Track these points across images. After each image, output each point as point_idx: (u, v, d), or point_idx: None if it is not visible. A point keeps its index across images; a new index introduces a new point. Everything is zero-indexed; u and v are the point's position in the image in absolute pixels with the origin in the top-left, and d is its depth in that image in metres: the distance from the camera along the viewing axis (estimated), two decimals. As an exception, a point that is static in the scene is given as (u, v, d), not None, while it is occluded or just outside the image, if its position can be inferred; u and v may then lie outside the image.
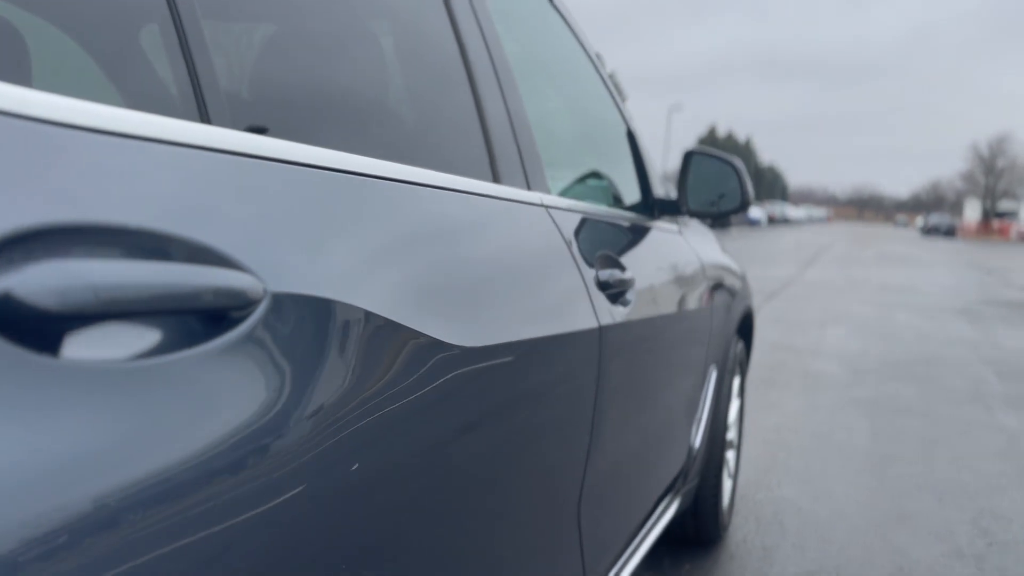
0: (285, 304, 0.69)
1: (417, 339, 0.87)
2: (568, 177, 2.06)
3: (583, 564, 1.45)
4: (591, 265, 1.46)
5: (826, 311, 9.96)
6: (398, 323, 0.84)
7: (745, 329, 3.10)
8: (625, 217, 1.93)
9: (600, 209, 1.74)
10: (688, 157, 2.13)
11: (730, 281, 2.73)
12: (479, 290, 1.07)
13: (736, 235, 33.80)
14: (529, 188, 1.37)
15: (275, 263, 0.69)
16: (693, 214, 2.15)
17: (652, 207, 2.15)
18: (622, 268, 1.61)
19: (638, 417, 1.70)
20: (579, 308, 1.35)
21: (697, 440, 2.50)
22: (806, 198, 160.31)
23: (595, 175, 2.15)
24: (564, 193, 1.97)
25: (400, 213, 0.96)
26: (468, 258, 1.07)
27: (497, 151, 1.28)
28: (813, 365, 6.47)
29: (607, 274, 1.49)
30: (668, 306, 1.90)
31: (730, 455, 3.09)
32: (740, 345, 2.97)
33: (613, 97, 2.05)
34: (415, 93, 1.20)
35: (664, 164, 58.07)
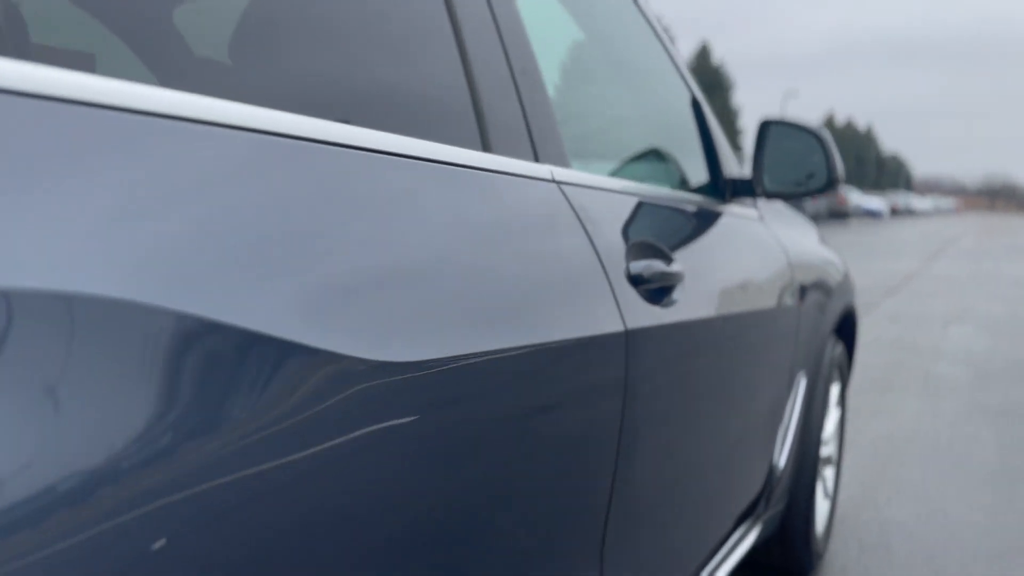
0: None
1: (328, 359, 0.64)
2: (619, 155, 1.79)
3: None
4: (621, 255, 1.19)
5: (951, 307, 9.20)
6: (310, 334, 0.62)
7: (846, 330, 2.73)
8: (683, 199, 1.64)
9: (644, 189, 1.46)
10: (764, 128, 1.81)
11: (825, 276, 2.38)
12: (446, 285, 0.83)
13: (856, 227, 32.21)
14: (537, 160, 1.11)
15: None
16: (770, 195, 1.83)
17: (723, 189, 1.85)
18: (667, 259, 1.33)
19: (691, 437, 1.42)
20: (596, 307, 1.08)
21: (782, 458, 2.17)
22: (932, 188, 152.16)
23: (655, 153, 1.88)
24: (616, 173, 1.71)
25: (325, 185, 0.73)
26: (427, 243, 0.83)
27: (489, 113, 1.03)
28: (934, 367, 5.91)
29: (642, 266, 1.22)
30: (735, 304, 1.60)
31: (828, 473, 2.74)
32: (839, 348, 2.61)
33: (676, 65, 1.76)
34: (368, 35, 0.96)
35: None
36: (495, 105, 1.05)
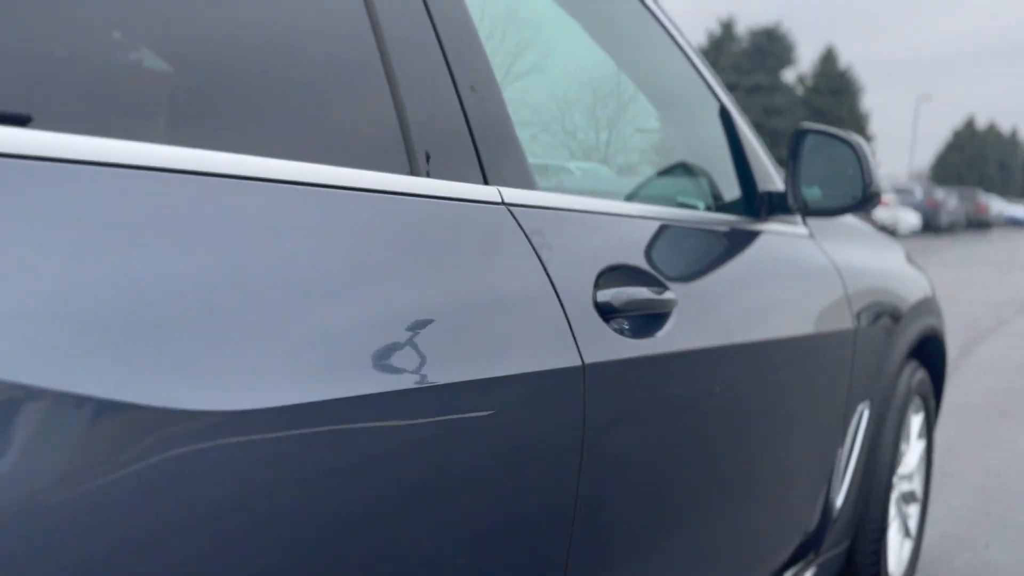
0: None
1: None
2: (642, 172, 1.69)
3: None
4: (586, 282, 1.09)
5: (1095, 326, 8.40)
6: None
7: (930, 355, 2.50)
8: (699, 219, 1.52)
9: (644, 209, 1.35)
10: (800, 137, 1.66)
11: (897, 297, 2.18)
12: (356, 316, 0.78)
13: (997, 236, 30.14)
14: (486, 182, 1.03)
15: None
16: (808, 212, 1.68)
17: (758, 205, 1.71)
18: (658, 285, 1.22)
19: (684, 481, 1.29)
20: (543, 339, 0.99)
21: (840, 496, 1.99)
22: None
23: (682, 169, 1.76)
24: (634, 196, 1.61)
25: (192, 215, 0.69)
26: (333, 269, 0.78)
27: (419, 136, 0.96)
28: (1065, 393, 5.39)
29: (613, 293, 1.11)
30: (752, 332, 1.46)
31: (911, 511, 2.51)
32: (919, 375, 2.39)
33: (701, 74, 1.63)
34: (260, 45, 0.89)
35: (911, 161, 53.32)
36: (430, 127, 0.98)
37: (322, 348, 0.74)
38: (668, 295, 1.22)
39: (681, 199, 1.71)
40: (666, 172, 1.77)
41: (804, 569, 1.91)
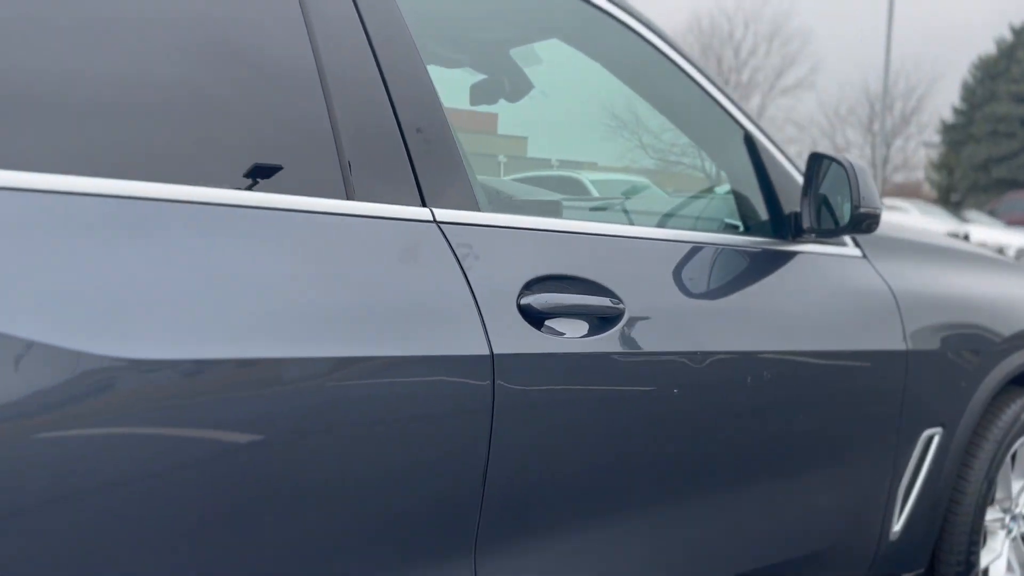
0: None
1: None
2: (665, 197, 1.84)
3: None
4: (509, 288, 1.29)
5: None
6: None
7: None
8: (697, 239, 1.64)
9: (626, 229, 1.54)
10: (813, 161, 1.72)
11: (978, 319, 2.09)
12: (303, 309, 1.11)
13: None
14: (424, 203, 1.28)
15: None
16: (818, 233, 1.73)
17: (785, 226, 1.78)
18: (606, 294, 1.38)
19: (615, 473, 1.42)
20: (454, 330, 1.21)
21: (898, 522, 1.96)
22: None
23: (712, 192, 1.87)
24: (668, 221, 1.77)
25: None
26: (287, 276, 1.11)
27: (358, 165, 1.23)
28: None
29: (535, 298, 1.30)
30: (732, 342, 1.56)
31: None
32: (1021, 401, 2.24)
33: (720, 102, 1.75)
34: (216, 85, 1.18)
35: None
36: (368, 158, 1.24)
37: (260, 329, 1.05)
38: (614, 304, 1.38)
39: (703, 221, 1.83)
40: (697, 196, 1.89)
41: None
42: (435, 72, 1.36)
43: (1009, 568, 2.35)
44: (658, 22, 1.63)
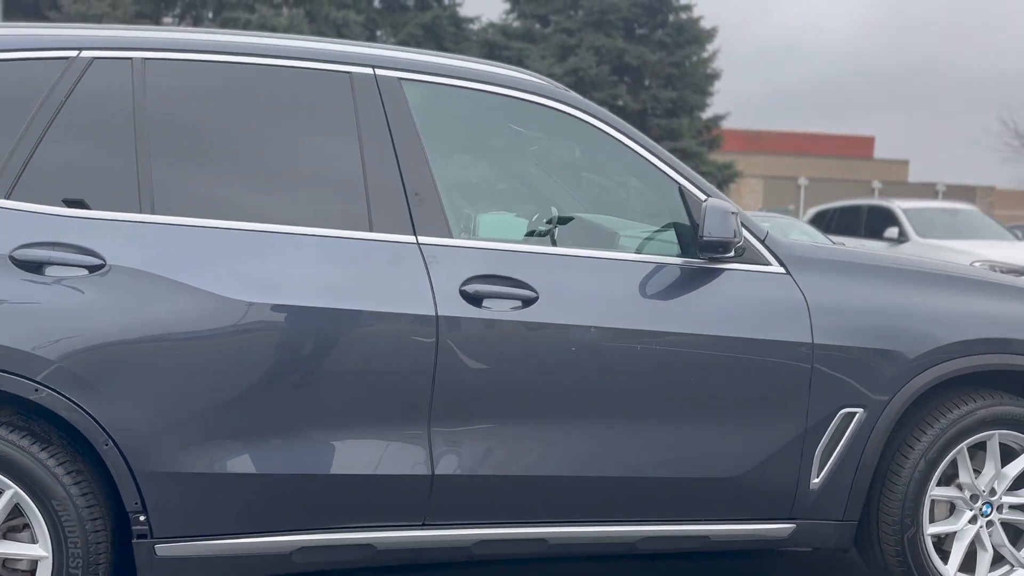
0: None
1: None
2: (633, 236, 2.72)
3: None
4: (457, 280, 2.31)
5: None
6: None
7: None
8: (636, 260, 2.52)
9: (541, 247, 2.52)
10: (689, 199, 2.52)
11: (891, 323, 2.61)
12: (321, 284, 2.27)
13: None
14: (414, 234, 2.36)
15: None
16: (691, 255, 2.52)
17: (694, 248, 2.53)
18: (522, 286, 2.35)
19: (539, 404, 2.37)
20: (414, 300, 2.28)
21: (816, 477, 2.57)
22: None
23: (668, 228, 2.69)
24: (644, 248, 2.66)
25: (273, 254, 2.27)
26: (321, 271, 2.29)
27: (377, 213, 2.35)
28: None
29: (472, 287, 2.31)
30: (612, 321, 2.41)
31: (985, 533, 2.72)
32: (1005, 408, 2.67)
33: (658, 166, 2.60)
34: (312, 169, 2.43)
35: None
36: (383, 209, 2.36)
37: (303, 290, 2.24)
38: (527, 293, 2.35)
39: (648, 244, 2.66)
40: (645, 229, 2.72)
41: (783, 523, 2.60)
42: (434, 152, 2.46)
43: (982, 547, 2.75)
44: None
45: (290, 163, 2.44)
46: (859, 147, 38.17)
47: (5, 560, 2.18)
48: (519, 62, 15.16)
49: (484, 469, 2.37)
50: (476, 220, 3.35)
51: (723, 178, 15.64)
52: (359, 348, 2.29)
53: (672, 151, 13.96)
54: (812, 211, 13.67)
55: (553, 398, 2.42)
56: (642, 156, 2.61)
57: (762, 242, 2.63)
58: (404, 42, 15.97)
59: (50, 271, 2.14)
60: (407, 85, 2.48)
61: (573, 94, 2.68)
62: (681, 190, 2.60)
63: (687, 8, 15.74)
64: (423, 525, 2.36)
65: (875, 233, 11.50)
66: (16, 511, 2.15)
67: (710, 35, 15.54)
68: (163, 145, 2.31)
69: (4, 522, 2.15)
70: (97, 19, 13.78)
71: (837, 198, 13.16)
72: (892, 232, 11.17)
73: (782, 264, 2.63)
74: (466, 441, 2.36)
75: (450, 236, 2.41)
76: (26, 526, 2.17)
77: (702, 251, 2.48)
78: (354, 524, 2.33)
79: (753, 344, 2.53)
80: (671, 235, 2.65)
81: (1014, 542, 2.81)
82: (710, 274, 2.56)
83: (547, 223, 2.88)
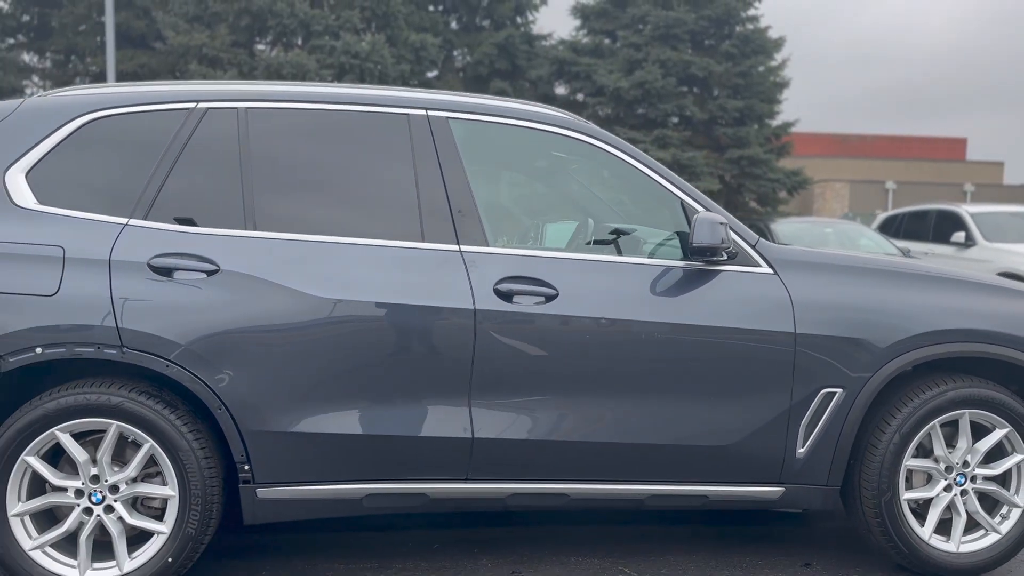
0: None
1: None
2: (646, 243, 3.23)
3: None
4: (492, 279, 2.87)
5: None
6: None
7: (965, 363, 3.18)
8: (635, 263, 3.03)
9: (562, 254, 3.06)
10: (688, 212, 3.00)
11: (865, 316, 3.04)
12: (379, 281, 2.86)
13: None
14: (458, 244, 2.92)
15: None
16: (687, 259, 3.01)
17: (690, 254, 3.03)
18: (546, 285, 2.89)
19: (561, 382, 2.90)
20: (457, 296, 2.84)
21: (801, 447, 3.02)
22: None
23: (663, 237, 3.19)
24: (654, 254, 3.17)
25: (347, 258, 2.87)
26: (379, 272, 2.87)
27: (428, 226, 2.92)
28: None
29: (505, 285, 2.86)
30: (615, 312, 2.93)
31: (957, 500, 3.12)
32: (973, 391, 3.08)
33: (662, 183, 3.11)
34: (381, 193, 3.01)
35: None
36: (433, 223, 2.93)
37: (371, 288, 2.83)
38: (549, 291, 2.88)
39: (657, 249, 3.16)
40: (654, 237, 3.22)
41: (773, 487, 3.05)
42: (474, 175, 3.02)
43: (957, 513, 3.15)
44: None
45: (360, 187, 3.06)
46: (950, 149, 37.14)
47: (144, 498, 2.83)
48: (587, 77, 15.67)
49: (515, 434, 2.91)
50: (544, 228, 3.91)
51: (792, 184, 15.76)
52: (413, 335, 2.87)
53: (739, 159, 14.30)
54: (881, 216, 13.69)
55: (571, 377, 2.94)
56: (648, 175, 3.13)
57: (753, 247, 3.10)
58: (479, 61, 16.69)
59: (177, 275, 2.78)
60: (453, 123, 3.06)
61: (591, 125, 3.22)
62: (682, 204, 3.10)
63: (754, 19, 16.00)
64: (466, 479, 2.92)
65: (942, 237, 11.53)
66: (151, 462, 2.80)
67: (777, 45, 15.75)
68: (262, 175, 2.94)
69: (143, 470, 2.80)
70: (197, 48, 14.92)
71: (926, 202, 13.06)
72: (959, 236, 11.19)
73: (770, 266, 3.09)
74: (499, 411, 2.91)
75: (487, 244, 2.96)
76: (159, 473, 2.81)
77: (692, 255, 2.98)
78: (411, 477, 2.90)
79: (744, 333, 3.00)
80: (676, 242, 3.14)
81: (990, 511, 3.19)
82: (708, 275, 3.04)
83: (591, 232, 3.44)
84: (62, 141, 2.90)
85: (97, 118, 2.94)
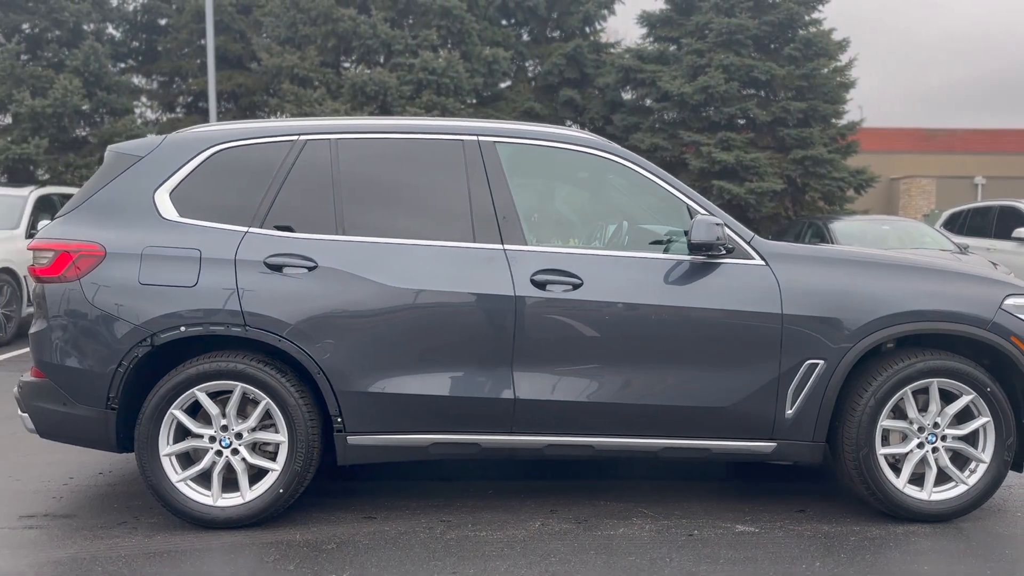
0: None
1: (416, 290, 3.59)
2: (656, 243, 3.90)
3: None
4: (529, 271, 3.58)
5: None
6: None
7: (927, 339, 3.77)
8: (648, 258, 3.71)
9: (586, 251, 3.73)
10: (692, 214, 3.64)
11: (843, 301, 3.64)
12: (434, 272, 3.62)
13: None
14: (502, 244, 3.65)
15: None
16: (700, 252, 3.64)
17: (695, 250, 3.69)
18: (573, 276, 3.59)
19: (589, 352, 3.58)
20: (500, 285, 3.56)
21: (790, 409, 3.64)
22: None
23: (676, 236, 3.85)
24: (670, 248, 3.84)
25: (414, 256, 3.64)
26: (441, 268, 3.63)
27: (479, 229, 3.66)
28: None
29: (540, 276, 3.57)
30: (627, 297, 3.60)
31: (930, 457, 3.69)
32: (942, 363, 3.64)
33: (671, 191, 3.78)
34: (437, 202, 3.76)
35: None
36: (482, 227, 3.66)
37: (434, 277, 3.59)
38: (576, 280, 3.58)
39: (668, 247, 3.81)
40: (665, 237, 3.87)
41: (766, 442, 3.68)
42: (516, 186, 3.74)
43: (928, 467, 3.71)
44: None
45: (424, 200, 3.83)
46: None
47: (261, 444, 3.66)
48: (652, 83, 16.17)
49: (550, 395, 3.62)
50: (607, 228, 4.61)
51: (857, 183, 15.90)
52: (467, 316, 3.60)
53: (803, 159, 14.64)
54: (946, 213, 13.79)
55: (594, 350, 3.64)
56: (660, 185, 3.80)
57: (748, 243, 3.74)
58: (549, 71, 17.37)
59: (286, 270, 3.60)
60: (499, 145, 3.80)
61: (613, 144, 3.92)
62: (688, 208, 3.76)
63: (816, 23, 16.21)
64: (511, 432, 3.64)
65: (1004, 233, 11.67)
66: (267, 415, 3.62)
67: (841, 46, 15.93)
68: (350, 191, 3.75)
69: (260, 421, 3.63)
70: (289, 69, 16.04)
71: (1015, 198, 13.05)
72: (1020, 232, 11.31)
73: (762, 258, 3.72)
74: (536, 377, 3.62)
75: (525, 244, 3.68)
76: (272, 424, 3.63)
77: (691, 251, 3.64)
78: (467, 429, 3.64)
79: (739, 314, 3.64)
80: (685, 240, 3.80)
81: (962, 467, 3.74)
82: (709, 267, 3.70)
83: (625, 231, 4.14)
84: (197, 167, 3.76)
85: (223, 149, 3.80)
